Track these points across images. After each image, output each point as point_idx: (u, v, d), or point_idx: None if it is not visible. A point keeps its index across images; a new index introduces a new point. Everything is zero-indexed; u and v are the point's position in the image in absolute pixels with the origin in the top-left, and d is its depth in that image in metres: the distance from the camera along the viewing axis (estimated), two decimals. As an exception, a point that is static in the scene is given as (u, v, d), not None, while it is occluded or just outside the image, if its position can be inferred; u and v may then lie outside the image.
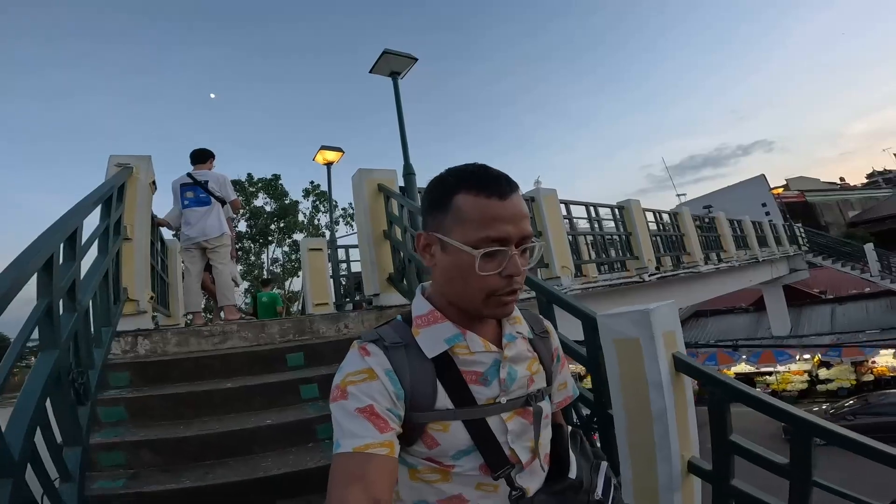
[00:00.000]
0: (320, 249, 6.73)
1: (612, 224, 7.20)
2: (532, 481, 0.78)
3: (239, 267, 20.46)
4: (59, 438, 1.84)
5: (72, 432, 1.93)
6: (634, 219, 7.19)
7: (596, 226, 6.72)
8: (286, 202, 21.29)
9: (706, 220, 10.62)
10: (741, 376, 17.04)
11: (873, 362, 15.19)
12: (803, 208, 34.24)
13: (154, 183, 3.73)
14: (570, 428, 0.91)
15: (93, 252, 2.56)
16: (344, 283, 7.52)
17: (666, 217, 8.71)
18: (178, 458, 2.19)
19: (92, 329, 2.39)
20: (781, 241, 16.63)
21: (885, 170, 43.68)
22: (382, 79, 6.11)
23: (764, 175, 35.97)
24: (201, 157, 4.38)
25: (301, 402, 2.58)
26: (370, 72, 5.96)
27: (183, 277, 4.58)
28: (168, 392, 2.55)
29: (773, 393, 14.41)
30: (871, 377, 14.56)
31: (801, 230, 19.14)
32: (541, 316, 0.95)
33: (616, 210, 7.15)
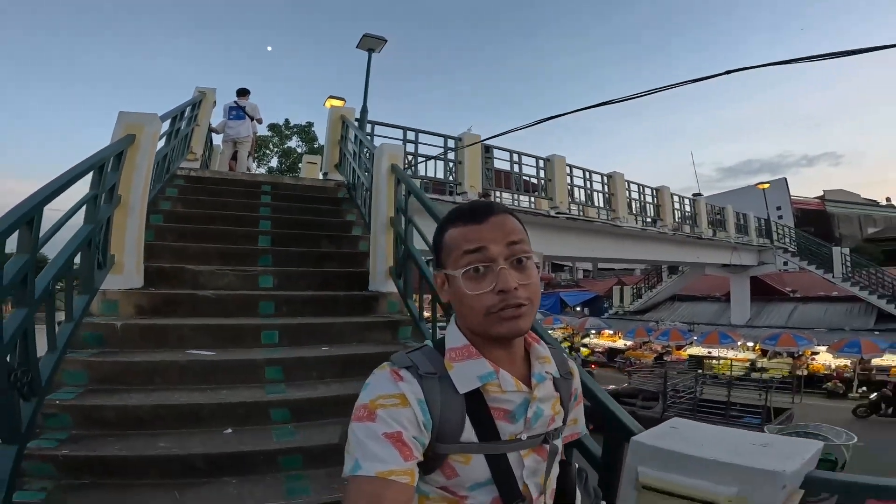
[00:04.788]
0: (315, 163, 9.34)
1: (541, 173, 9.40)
2: None
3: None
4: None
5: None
6: (556, 169, 9.36)
7: (516, 168, 8.95)
8: (315, 146, 24.13)
9: (646, 189, 12.51)
10: (694, 358, 17.26)
11: (812, 358, 15.70)
12: (819, 217, 34.32)
13: (215, 102, 6.99)
14: (576, 465, 0.93)
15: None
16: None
17: (597, 177, 10.77)
18: (199, 204, 4.72)
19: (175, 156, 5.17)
20: (748, 231, 17.88)
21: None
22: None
23: (785, 179, 36.25)
24: (243, 92, 7.40)
25: (260, 203, 5.08)
26: (356, 47, 8.24)
27: (218, 158, 7.87)
28: (201, 187, 5.18)
29: (714, 376, 14.51)
30: (805, 372, 15.06)
31: (779, 226, 20.19)
32: (568, 357, 0.96)
33: (540, 161, 9.33)
